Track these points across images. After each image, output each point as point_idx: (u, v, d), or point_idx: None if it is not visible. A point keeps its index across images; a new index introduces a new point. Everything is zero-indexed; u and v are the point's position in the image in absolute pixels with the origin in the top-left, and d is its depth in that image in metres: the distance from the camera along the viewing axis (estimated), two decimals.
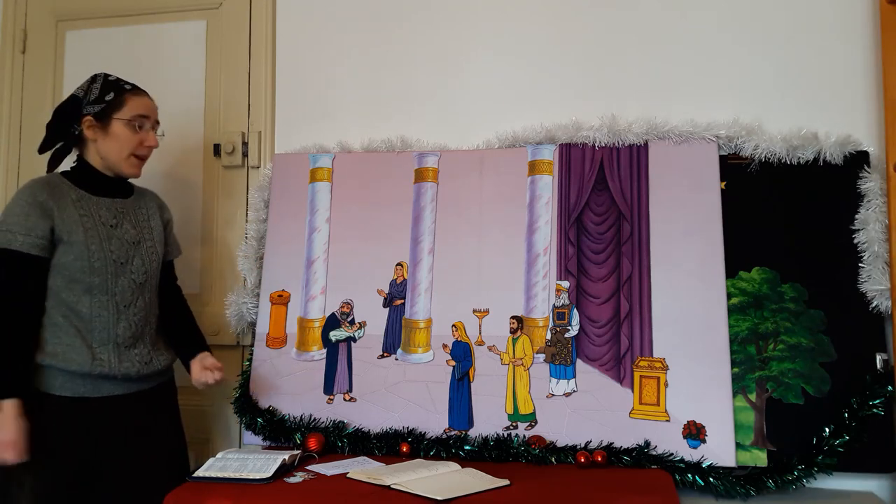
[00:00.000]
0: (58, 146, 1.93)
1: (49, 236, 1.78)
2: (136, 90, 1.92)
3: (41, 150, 1.92)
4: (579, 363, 1.97)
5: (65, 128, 1.89)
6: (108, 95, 1.87)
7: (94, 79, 1.91)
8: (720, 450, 1.82)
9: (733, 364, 1.89)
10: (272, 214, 2.24)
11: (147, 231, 1.95)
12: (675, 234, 1.99)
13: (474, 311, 2.06)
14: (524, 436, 1.91)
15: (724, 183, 2.00)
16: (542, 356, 1.99)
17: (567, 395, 1.95)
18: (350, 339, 2.12)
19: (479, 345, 2.03)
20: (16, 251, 1.74)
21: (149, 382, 1.90)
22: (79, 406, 1.78)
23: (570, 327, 2.00)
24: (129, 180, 1.98)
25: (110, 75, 1.92)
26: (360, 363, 2.09)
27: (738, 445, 1.85)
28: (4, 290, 1.74)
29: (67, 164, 1.95)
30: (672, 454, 1.83)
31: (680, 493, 1.70)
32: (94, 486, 1.77)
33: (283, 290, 2.18)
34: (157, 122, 1.95)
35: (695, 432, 1.85)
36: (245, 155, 2.39)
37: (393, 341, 2.09)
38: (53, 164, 1.93)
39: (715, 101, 2.09)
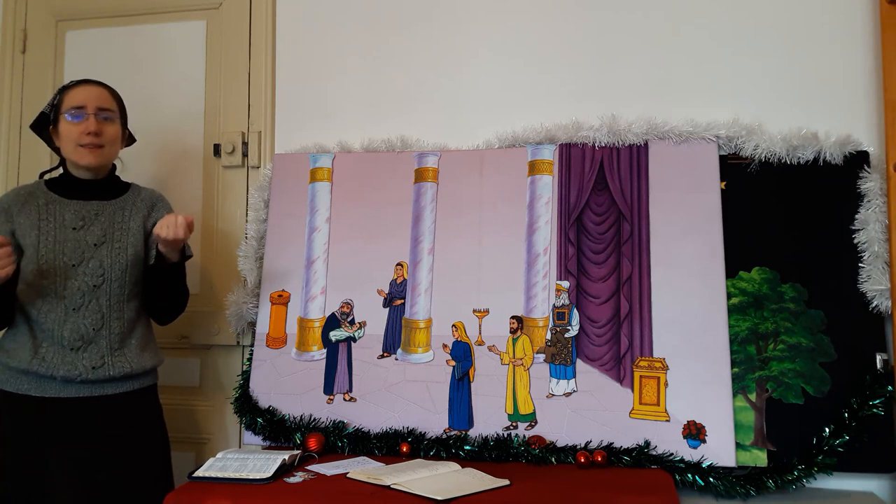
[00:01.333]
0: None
1: (13, 241, 1.81)
2: (77, 84, 1.92)
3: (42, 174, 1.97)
4: (579, 363, 1.97)
5: (52, 147, 1.97)
6: (55, 100, 1.91)
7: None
8: (720, 450, 1.82)
9: (733, 364, 1.89)
10: (272, 214, 2.24)
11: (120, 233, 1.90)
12: (675, 234, 1.99)
13: (474, 311, 2.06)
14: (524, 436, 1.91)
15: (724, 183, 2.00)
16: (542, 356, 1.99)
17: (567, 395, 1.95)
18: (350, 339, 2.12)
19: (479, 345, 2.03)
20: None
21: (107, 389, 1.84)
22: (21, 402, 1.79)
23: (570, 327, 2.00)
24: (126, 180, 1.99)
25: (70, 82, 1.94)
26: (360, 363, 2.09)
27: (738, 445, 1.85)
28: None
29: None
30: (672, 454, 1.83)
31: (680, 493, 1.70)
32: (36, 485, 1.76)
33: (283, 290, 2.18)
34: (104, 109, 1.89)
35: (695, 432, 1.85)
36: (245, 155, 2.39)
37: (393, 341, 2.09)
38: None
39: (715, 101, 2.09)
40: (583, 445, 1.87)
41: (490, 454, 1.88)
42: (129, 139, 2.03)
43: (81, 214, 1.89)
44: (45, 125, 1.94)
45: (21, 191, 1.90)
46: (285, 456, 1.74)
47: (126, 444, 1.85)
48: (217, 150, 2.41)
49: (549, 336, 2.00)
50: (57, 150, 1.96)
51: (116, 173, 2.00)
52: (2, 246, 1.66)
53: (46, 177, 1.98)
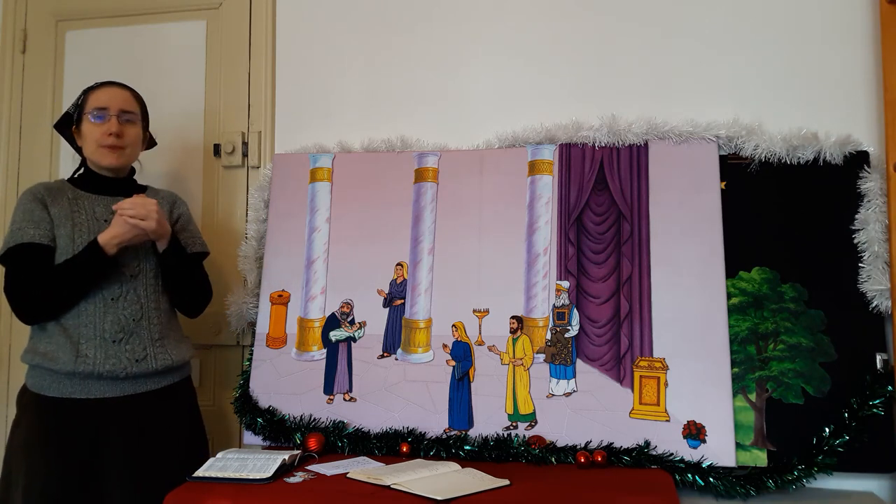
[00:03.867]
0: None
1: (52, 227, 1.82)
2: (101, 85, 1.94)
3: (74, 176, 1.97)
4: (579, 363, 1.97)
5: (73, 145, 1.98)
6: (80, 100, 1.93)
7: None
8: (720, 450, 1.82)
9: (733, 364, 1.89)
10: (272, 214, 2.24)
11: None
12: (675, 234, 1.99)
13: (474, 311, 2.06)
14: (524, 436, 1.91)
15: (724, 183, 2.00)
16: (542, 356, 1.99)
17: (567, 395, 1.95)
18: (350, 339, 2.12)
19: (479, 345, 2.03)
20: (29, 243, 1.79)
21: (150, 384, 1.87)
22: (67, 407, 1.77)
23: (570, 327, 2.00)
24: (141, 182, 2.01)
25: (95, 83, 1.96)
26: (360, 363, 2.09)
27: (738, 445, 1.85)
28: (31, 276, 1.77)
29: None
30: (672, 454, 1.83)
31: (680, 493, 1.70)
32: (89, 487, 1.75)
33: (283, 290, 2.18)
34: (127, 112, 1.92)
35: (695, 432, 1.85)
36: (245, 155, 2.39)
37: (393, 341, 2.09)
38: None
39: (715, 101, 2.09)
40: (583, 445, 1.87)
41: (490, 454, 1.88)
42: (149, 142, 2.08)
43: (111, 209, 1.90)
44: (68, 125, 1.96)
45: (48, 185, 1.91)
46: (285, 456, 1.74)
47: (173, 436, 1.88)
48: (217, 150, 2.41)
49: (549, 336, 2.00)
50: (79, 150, 1.97)
51: (135, 176, 2.03)
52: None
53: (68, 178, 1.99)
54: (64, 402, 1.78)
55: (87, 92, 1.93)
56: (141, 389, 1.85)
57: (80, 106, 1.92)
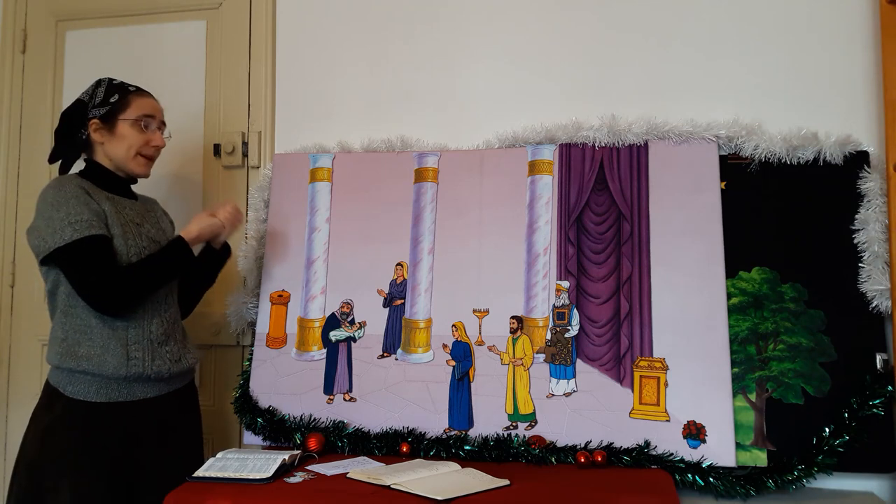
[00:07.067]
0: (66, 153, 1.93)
1: (107, 223, 1.79)
2: (141, 91, 1.93)
3: (52, 160, 1.92)
4: (579, 363, 1.97)
5: (72, 133, 1.89)
6: (113, 97, 1.87)
7: (98, 83, 1.91)
8: (720, 450, 1.83)
9: (733, 364, 1.89)
10: (272, 214, 2.25)
11: (161, 233, 1.95)
12: (675, 234, 1.99)
13: (474, 311, 2.06)
14: (524, 436, 1.91)
15: (724, 183, 2.00)
16: (542, 356, 1.99)
17: (567, 395, 1.95)
18: (350, 339, 2.12)
19: (479, 345, 2.03)
20: (96, 236, 1.73)
21: (178, 382, 1.91)
22: (114, 411, 1.76)
23: (570, 327, 2.00)
24: (132, 187, 1.99)
25: (115, 79, 1.92)
26: (360, 363, 2.09)
27: (738, 445, 1.85)
28: (114, 268, 1.74)
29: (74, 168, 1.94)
30: (672, 454, 1.83)
31: (680, 493, 1.70)
32: (130, 489, 1.76)
33: (283, 290, 2.18)
34: (164, 124, 1.96)
35: (695, 432, 1.85)
36: (245, 155, 2.39)
37: (393, 341, 2.09)
38: (64, 169, 1.93)
39: (715, 101, 2.09)
40: (583, 445, 1.87)
41: (490, 454, 1.88)
42: None
43: (136, 211, 1.90)
44: (82, 116, 1.87)
45: (74, 182, 1.81)
46: (285, 456, 1.74)
47: (194, 433, 1.97)
48: (217, 150, 2.41)
49: (549, 336, 2.00)
50: (81, 144, 1.89)
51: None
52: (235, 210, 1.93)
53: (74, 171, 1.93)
54: (111, 407, 1.76)
55: (126, 92, 1.87)
56: (173, 388, 1.89)
57: (113, 104, 1.85)
